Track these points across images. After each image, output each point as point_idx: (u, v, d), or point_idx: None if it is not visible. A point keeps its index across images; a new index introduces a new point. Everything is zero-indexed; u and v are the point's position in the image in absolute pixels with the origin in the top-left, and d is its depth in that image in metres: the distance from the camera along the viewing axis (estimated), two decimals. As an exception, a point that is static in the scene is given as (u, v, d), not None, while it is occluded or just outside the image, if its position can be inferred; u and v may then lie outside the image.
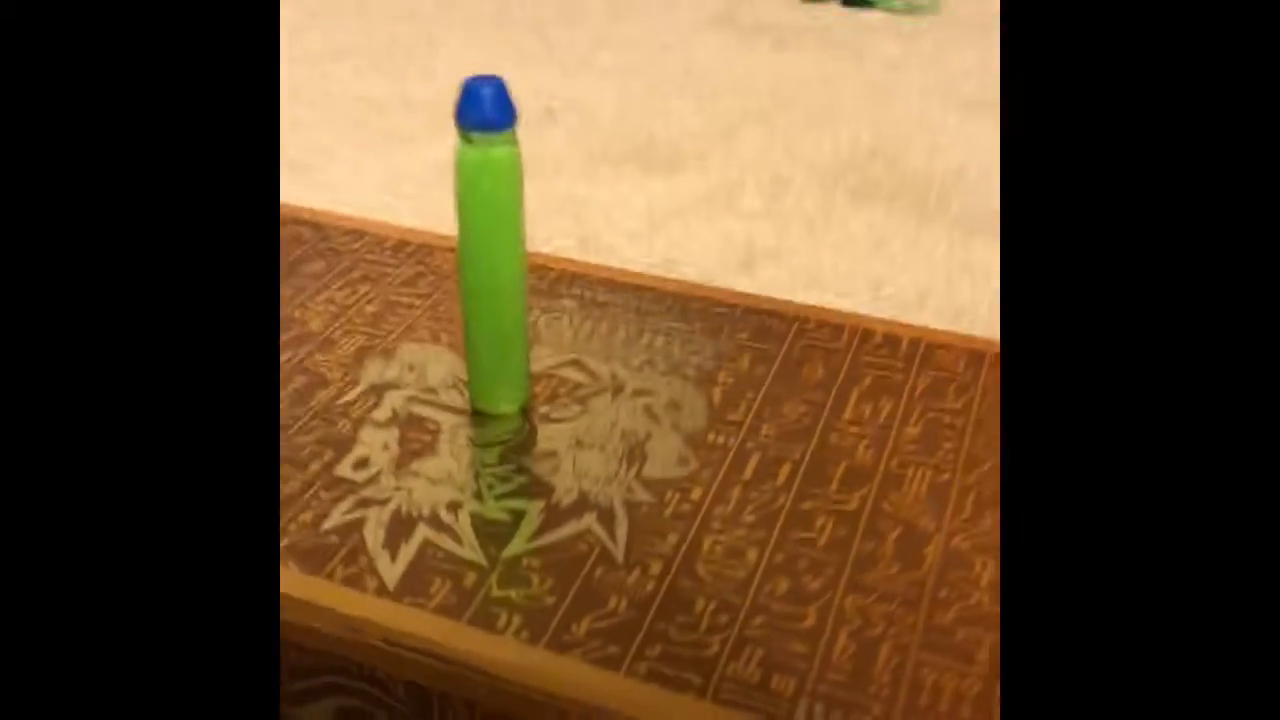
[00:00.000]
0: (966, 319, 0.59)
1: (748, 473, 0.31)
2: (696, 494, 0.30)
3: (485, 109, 0.29)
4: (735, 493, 0.30)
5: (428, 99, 0.84)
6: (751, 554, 0.28)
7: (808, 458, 0.32)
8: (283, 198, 0.52)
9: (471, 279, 0.31)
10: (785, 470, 0.31)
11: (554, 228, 0.67)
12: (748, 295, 0.39)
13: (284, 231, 0.43)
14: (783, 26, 1.01)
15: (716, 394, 0.34)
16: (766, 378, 0.35)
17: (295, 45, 0.91)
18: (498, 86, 0.28)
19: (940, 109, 0.84)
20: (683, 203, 0.70)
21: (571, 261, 0.41)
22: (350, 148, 0.77)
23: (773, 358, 0.36)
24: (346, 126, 0.80)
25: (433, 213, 0.68)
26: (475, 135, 0.29)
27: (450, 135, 0.77)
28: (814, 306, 0.38)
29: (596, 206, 0.69)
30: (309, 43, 0.92)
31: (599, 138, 0.78)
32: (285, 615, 0.27)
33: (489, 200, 0.29)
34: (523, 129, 0.79)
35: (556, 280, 0.40)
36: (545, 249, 0.63)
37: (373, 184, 0.72)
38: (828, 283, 0.62)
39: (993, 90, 0.88)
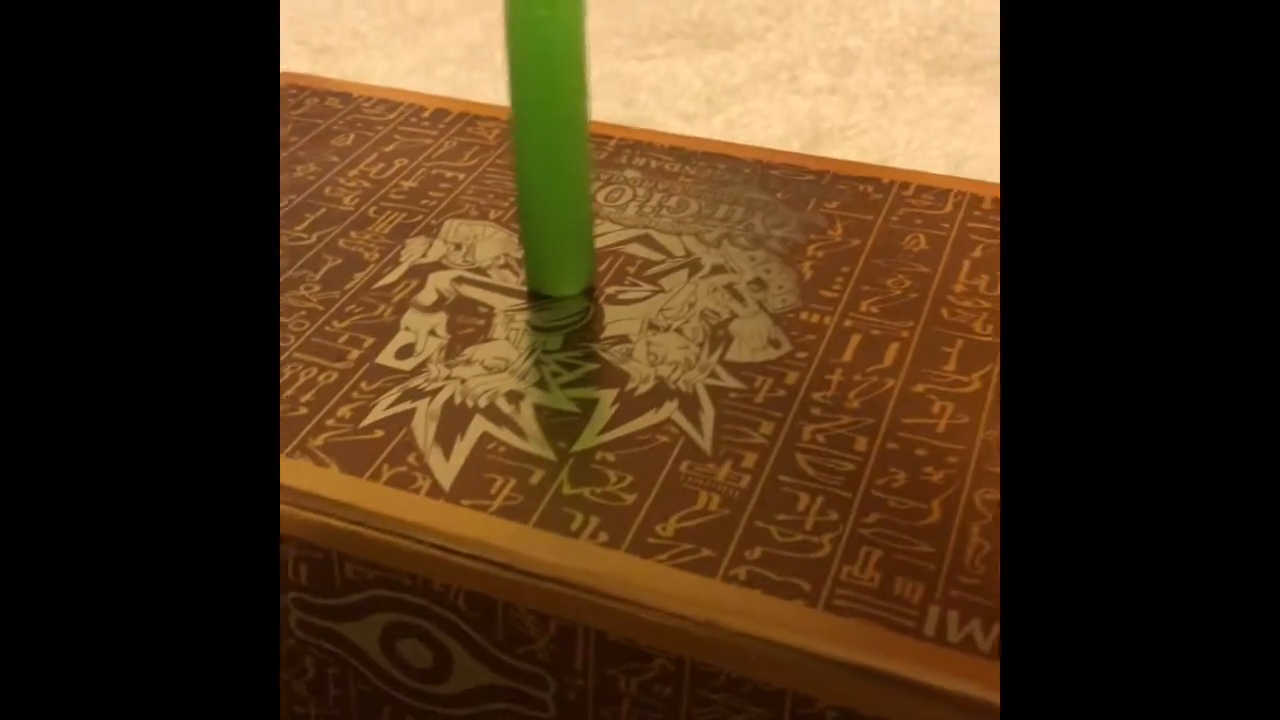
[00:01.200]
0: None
1: (849, 354, 0.27)
2: (791, 378, 0.26)
3: (538, -76, 0.24)
4: (836, 376, 0.26)
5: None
6: (860, 443, 0.25)
7: (917, 336, 0.28)
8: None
9: (527, 139, 0.27)
10: (893, 350, 0.27)
11: (600, 111, 0.62)
12: (836, 161, 0.35)
13: (310, 103, 0.39)
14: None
15: (807, 269, 0.30)
16: (863, 250, 0.31)
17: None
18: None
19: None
20: (740, 80, 0.65)
21: (632, 129, 0.37)
22: (382, 32, 0.72)
23: (869, 228, 0.32)
24: (377, 9, 0.75)
25: (468, 95, 0.63)
26: (527, -44, 0.24)
27: (483, 11, 0.71)
28: (913, 171, 0.34)
29: (646, 87, 0.64)
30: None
31: (645, 13, 0.72)
32: (327, 522, 0.23)
33: (544, 40, 0.25)
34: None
35: (617, 150, 0.36)
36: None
37: (405, 68, 0.67)
38: (902, 161, 0.57)
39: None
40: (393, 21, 0.74)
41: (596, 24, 0.73)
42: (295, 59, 0.70)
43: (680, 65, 0.66)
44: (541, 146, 0.27)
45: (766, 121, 0.61)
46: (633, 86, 0.64)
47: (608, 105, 0.62)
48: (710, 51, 0.67)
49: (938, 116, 0.61)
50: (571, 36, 0.25)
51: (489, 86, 0.64)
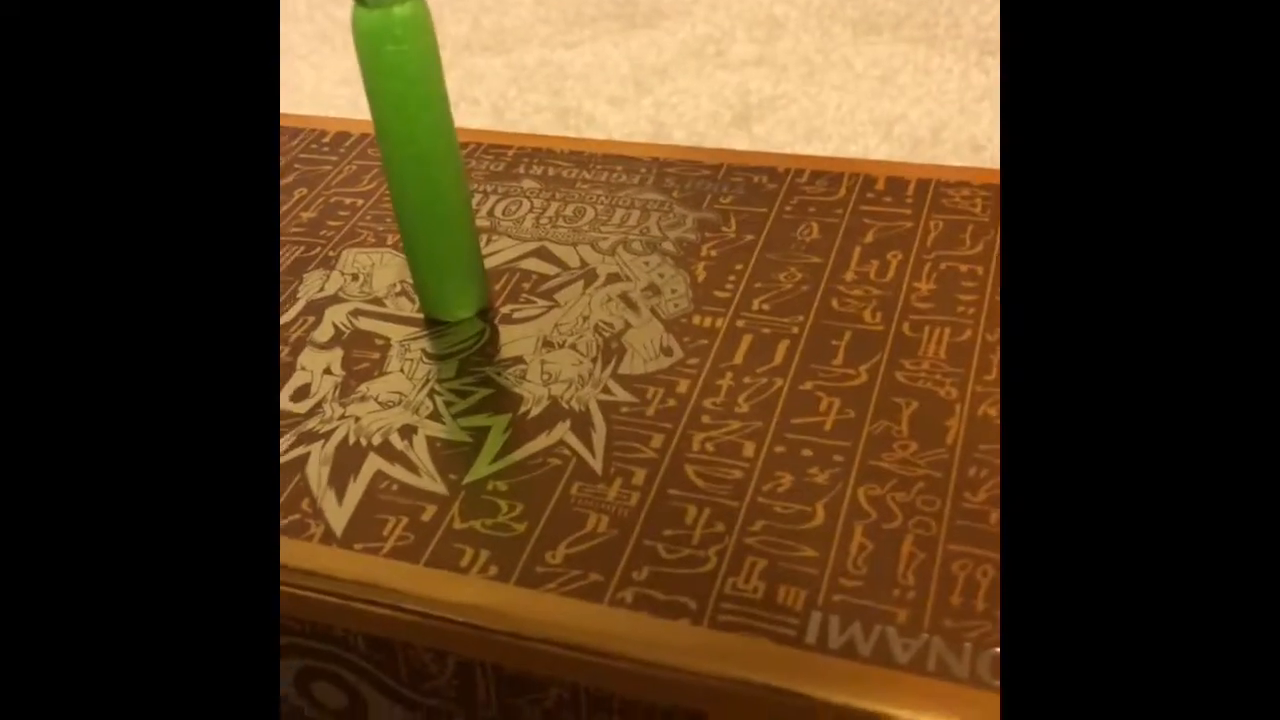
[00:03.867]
0: (988, 152, 0.53)
1: (739, 356, 0.27)
2: (683, 387, 0.27)
3: (376, -39, 0.24)
4: (726, 380, 0.27)
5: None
6: (748, 449, 0.25)
7: (807, 331, 0.28)
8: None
9: (397, 173, 0.27)
10: (782, 348, 0.27)
11: (529, 103, 0.62)
12: (733, 153, 0.35)
13: (210, 139, 0.38)
14: None
15: (700, 270, 0.30)
16: (757, 244, 0.31)
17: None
18: (386, -70, 0.24)
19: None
20: (669, 59, 0.65)
21: (533, 136, 0.37)
22: (310, 40, 0.72)
23: (763, 220, 0.32)
24: (303, 16, 0.74)
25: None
26: (369, -6, 0.24)
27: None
28: (808, 156, 0.34)
29: (575, 74, 0.64)
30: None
31: (573, -1, 0.72)
32: (226, 575, 0.23)
33: (398, 74, 0.25)
34: (491, -1, 0.73)
35: (515, 159, 0.36)
36: (522, 127, 0.58)
37: (334, 77, 0.67)
38: (831, 130, 0.57)
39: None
40: (320, 29, 0.73)
41: (524, 13, 0.72)
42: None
43: (607, 48, 0.66)
44: (413, 180, 0.27)
45: (695, 100, 0.60)
46: (560, 75, 0.64)
47: (535, 96, 0.62)
48: (637, 31, 0.67)
49: (865, 79, 0.61)
50: (426, 64, 0.25)
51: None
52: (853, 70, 0.62)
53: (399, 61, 0.25)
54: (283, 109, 0.65)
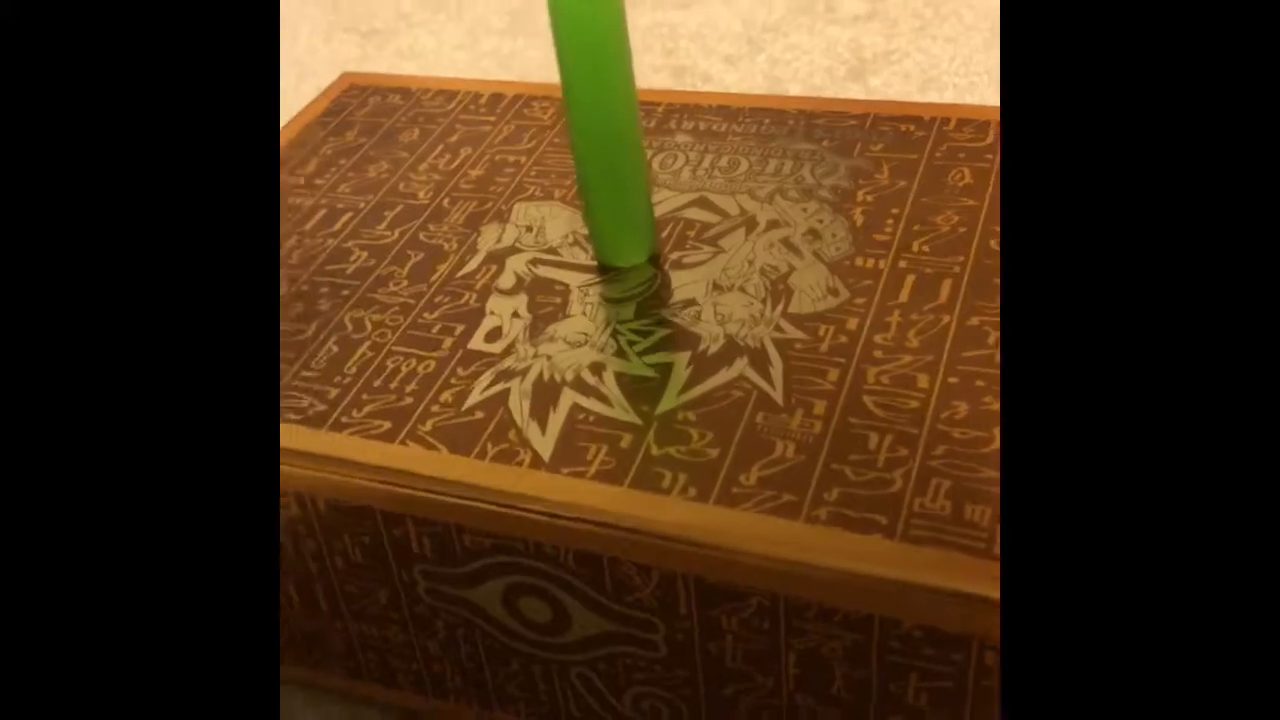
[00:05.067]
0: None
1: (904, 295, 0.29)
2: (852, 324, 0.28)
3: (572, -73, 0.26)
4: (894, 318, 0.28)
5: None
6: (923, 380, 0.26)
7: (969, 270, 0.29)
8: (370, 70, 0.50)
9: (580, 118, 0.28)
10: (946, 286, 0.29)
11: (644, 63, 0.63)
12: (877, 102, 0.36)
13: (374, 102, 0.41)
14: None
15: (858, 215, 0.32)
16: (911, 189, 0.32)
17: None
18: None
19: None
20: (778, 17, 0.65)
21: (678, 93, 0.38)
22: (425, 8, 0.74)
23: (915, 167, 0.33)
24: (416, -12, 0.77)
25: (516, 63, 0.65)
26: (565, -41, 0.26)
27: (523, -20, 0.73)
28: (952, 105, 0.35)
29: (687, 33, 0.65)
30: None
31: (679, -40, 0.73)
32: (443, 499, 0.26)
33: (587, 22, 0.27)
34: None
35: (665, 115, 0.37)
36: (641, 85, 0.60)
37: (451, 43, 0.69)
38: (947, 80, 0.58)
39: None
40: (432, -4, 0.75)
41: (630, -26, 0.73)
42: (344, 45, 0.72)
43: (717, 9, 0.67)
44: (595, 128, 0.28)
45: (809, 56, 0.61)
46: (673, 35, 0.65)
47: (650, 57, 0.63)
48: (746, -11, 0.68)
49: (976, 31, 0.61)
50: (613, 19, 0.27)
51: (535, 52, 0.66)
52: (963, 23, 0.62)
53: (590, 15, 0.26)
54: (411, 73, 0.67)
